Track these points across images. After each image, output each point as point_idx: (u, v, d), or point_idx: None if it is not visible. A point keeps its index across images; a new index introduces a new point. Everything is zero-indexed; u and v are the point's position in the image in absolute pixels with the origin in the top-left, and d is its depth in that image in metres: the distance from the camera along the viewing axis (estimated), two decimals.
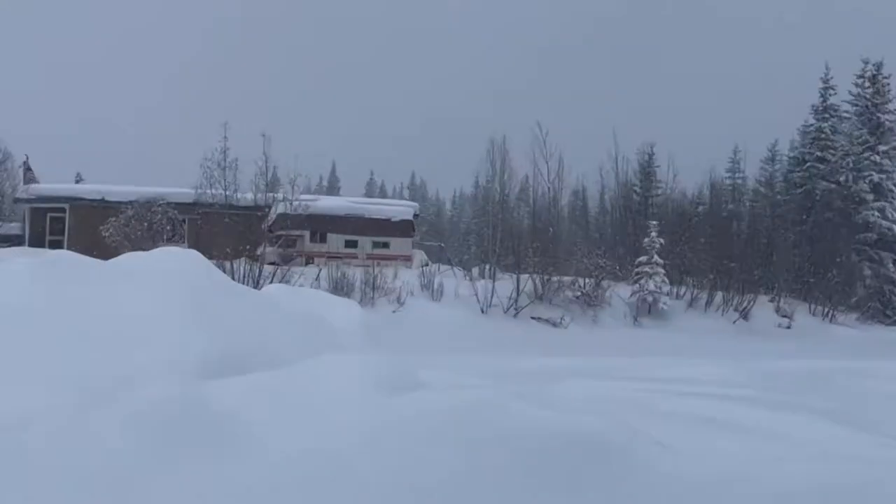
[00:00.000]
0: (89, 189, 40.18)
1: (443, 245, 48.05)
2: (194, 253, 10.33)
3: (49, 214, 38.68)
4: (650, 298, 31.39)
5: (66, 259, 8.55)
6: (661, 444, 3.86)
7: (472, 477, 3.35)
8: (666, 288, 32.21)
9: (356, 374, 4.41)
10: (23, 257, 9.76)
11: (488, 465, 3.39)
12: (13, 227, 40.38)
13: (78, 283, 7.92)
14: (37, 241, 37.31)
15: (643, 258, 32.68)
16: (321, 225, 38.66)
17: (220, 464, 3.59)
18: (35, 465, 3.72)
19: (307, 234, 38.28)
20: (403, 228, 40.51)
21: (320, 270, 28.79)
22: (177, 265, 8.86)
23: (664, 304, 31.35)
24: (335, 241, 38.71)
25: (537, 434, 3.58)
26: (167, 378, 5.60)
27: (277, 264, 29.47)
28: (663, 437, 4.23)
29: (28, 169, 40.26)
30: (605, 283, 31.56)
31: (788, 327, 34.07)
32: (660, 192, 51.98)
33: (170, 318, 7.31)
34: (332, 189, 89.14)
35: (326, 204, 41.07)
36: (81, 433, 3.99)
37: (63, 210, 38.32)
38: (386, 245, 39.70)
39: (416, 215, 42.84)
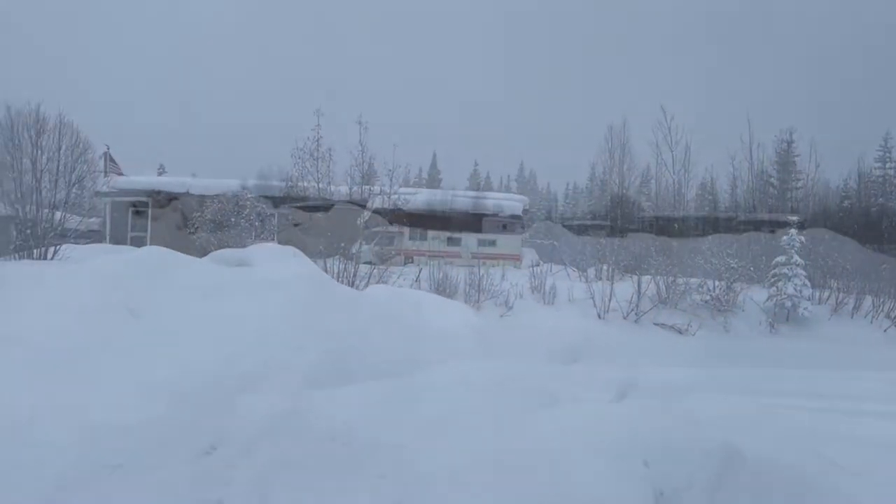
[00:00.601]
0: (173, 181, 40.74)
1: (555, 243, 47.61)
2: (296, 251, 10.53)
3: (131, 209, 39.67)
4: (789, 303, 30.26)
5: (160, 255, 8.83)
6: (838, 466, 3.73)
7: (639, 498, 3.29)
8: (807, 292, 30.98)
9: (487, 385, 4.38)
10: (110, 254, 10.08)
11: (654, 490, 3.33)
12: (92, 223, 40.76)
13: (175, 280, 8.14)
14: (118, 237, 38.26)
15: (781, 258, 31.57)
16: (421, 221, 38.81)
17: (346, 492, 3.57)
18: (127, 477, 3.68)
19: (406, 230, 38.53)
20: (512, 225, 40.22)
21: (420, 270, 28.88)
22: (281, 263, 9.05)
23: (805, 309, 30.19)
24: (436, 239, 38.78)
25: (698, 451, 3.50)
26: (279, 385, 5.67)
27: (374, 263, 29.60)
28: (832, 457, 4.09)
29: (110, 160, 40.53)
30: (737, 286, 30.69)
31: None
32: (800, 183, 50.55)
33: (278, 319, 7.44)
34: (433, 181, 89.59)
35: (427, 198, 40.88)
36: (178, 444, 3.95)
37: (145, 204, 39.29)
38: (493, 243, 39.49)
39: (525, 210, 42.35)
